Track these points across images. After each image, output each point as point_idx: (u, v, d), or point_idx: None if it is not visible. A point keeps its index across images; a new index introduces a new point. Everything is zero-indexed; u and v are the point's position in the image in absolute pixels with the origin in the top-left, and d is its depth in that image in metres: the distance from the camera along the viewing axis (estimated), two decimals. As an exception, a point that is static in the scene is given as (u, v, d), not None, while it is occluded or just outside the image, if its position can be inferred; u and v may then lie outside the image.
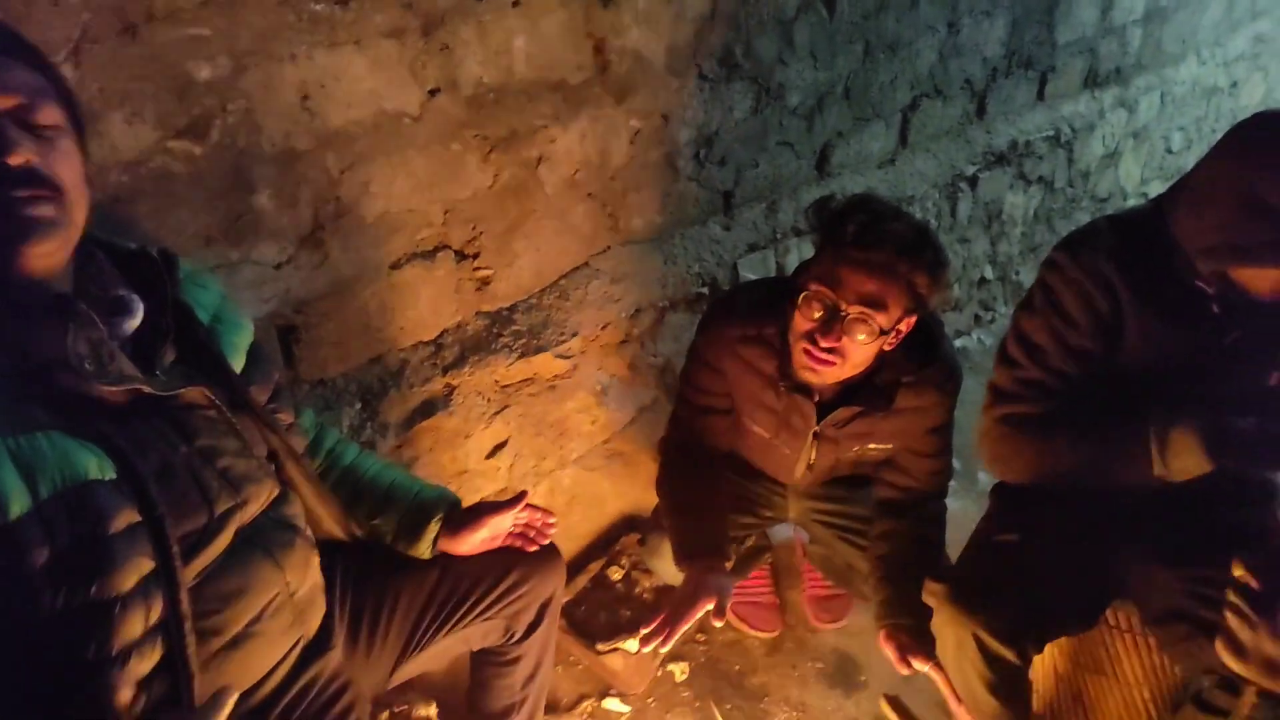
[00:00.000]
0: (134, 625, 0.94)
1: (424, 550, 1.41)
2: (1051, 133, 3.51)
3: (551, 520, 1.53)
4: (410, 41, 1.59)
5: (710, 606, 1.67)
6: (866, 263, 1.54)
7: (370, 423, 1.77)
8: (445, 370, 1.87)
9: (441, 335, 1.85)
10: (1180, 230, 1.46)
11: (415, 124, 1.65)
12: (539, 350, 2.01)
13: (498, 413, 2.00)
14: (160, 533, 0.96)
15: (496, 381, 1.97)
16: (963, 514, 2.00)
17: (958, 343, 3.56)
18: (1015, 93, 3.28)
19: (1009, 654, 1.52)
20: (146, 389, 0.99)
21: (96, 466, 0.93)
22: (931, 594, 1.61)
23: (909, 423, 1.81)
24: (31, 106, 0.92)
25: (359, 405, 1.76)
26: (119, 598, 0.93)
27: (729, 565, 1.85)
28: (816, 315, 1.60)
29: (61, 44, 1.22)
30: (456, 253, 1.82)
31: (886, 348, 1.66)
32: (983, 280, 3.61)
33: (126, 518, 0.94)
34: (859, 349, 1.60)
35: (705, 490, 1.92)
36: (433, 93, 1.65)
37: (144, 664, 0.97)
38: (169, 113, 1.35)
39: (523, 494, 1.47)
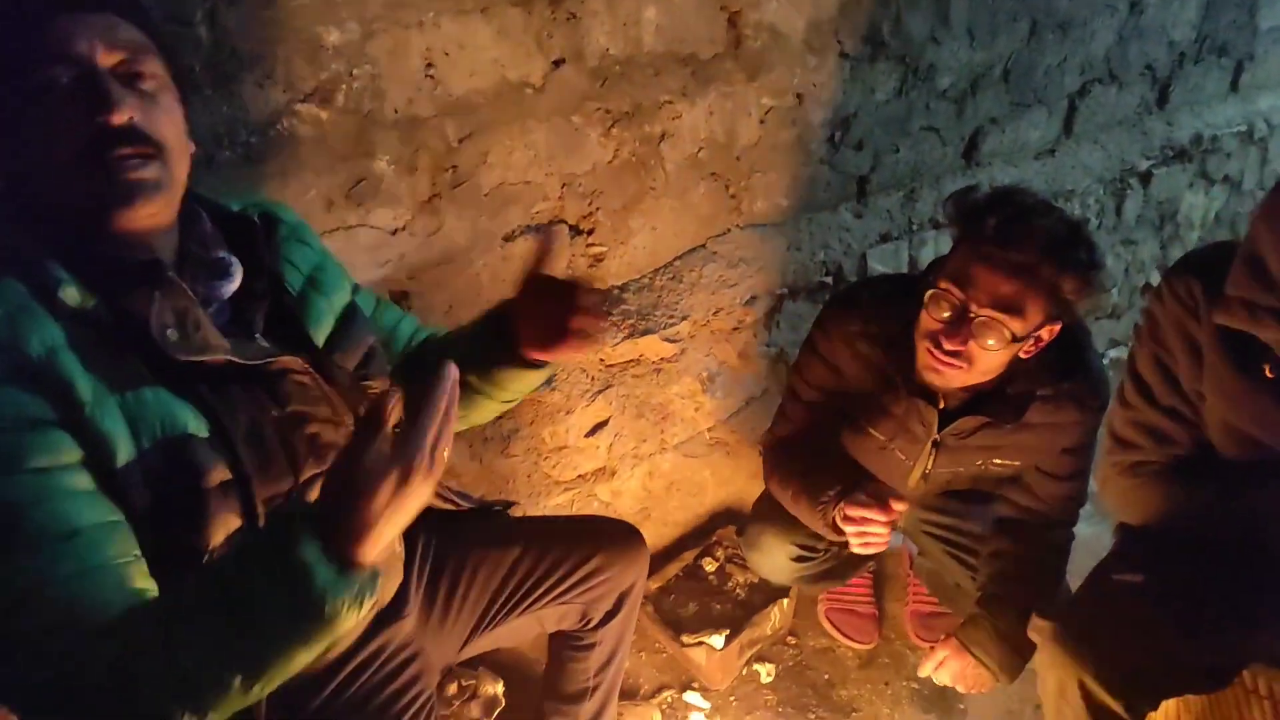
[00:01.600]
0: None
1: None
2: (1244, 128, 3.15)
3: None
4: (537, 10, 1.56)
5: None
6: (1005, 262, 1.41)
7: (474, 392, 1.79)
8: (551, 345, 1.86)
9: (550, 310, 1.84)
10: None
11: (537, 95, 1.62)
12: (646, 332, 1.97)
13: (600, 391, 1.98)
14: (247, 493, 0.98)
15: (601, 360, 1.95)
16: (1095, 540, 1.84)
17: (1112, 354, 3.29)
18: (1204, 82, 2.95)
19: (1117, 707, 1.39)
20: (232, 359, 1.00)
21: (194, 423, 0.95)
22: (1037, 630, 1.50)
23: (1041, 440, 1.67)
24: (134, 62, 0.93)
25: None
26: (209, 551, 0.96)
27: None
28: (944, 315, 1.49)
29: (197, 6, 1.25)
30: (571, 228, 1.79)
31: (1023, 355, 1.52)
32: (1148, 286, 3.30)
33: (220, 474, 0.96)
34: (988, 355, 1.48)
35: (821, 461, 1.81)
36: (557, 63, 1.62)
37: None
38: (298, 76, 1.37)
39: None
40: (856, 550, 1.67)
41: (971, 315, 1.45)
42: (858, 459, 1.91)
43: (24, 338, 0.86)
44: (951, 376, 1.53)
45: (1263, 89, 3.15)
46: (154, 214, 0.96)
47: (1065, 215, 1.49)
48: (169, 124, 0.95)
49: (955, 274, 1.47)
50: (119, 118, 0.89)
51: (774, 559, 1.92)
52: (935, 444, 1.72)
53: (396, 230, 1.58)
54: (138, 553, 0.92)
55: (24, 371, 0.86)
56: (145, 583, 0.90)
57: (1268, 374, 1.32)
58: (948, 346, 1.48)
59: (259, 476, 0.99)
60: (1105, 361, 2.99)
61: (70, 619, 0.85)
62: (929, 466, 1.76)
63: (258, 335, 1.06)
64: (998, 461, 1.73)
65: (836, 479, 1.71)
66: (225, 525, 0.97)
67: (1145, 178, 2.96)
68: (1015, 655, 1.71)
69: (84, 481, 0.89)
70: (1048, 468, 1.71)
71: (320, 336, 1.14)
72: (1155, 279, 3.31)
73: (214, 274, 1.03)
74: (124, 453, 0.90)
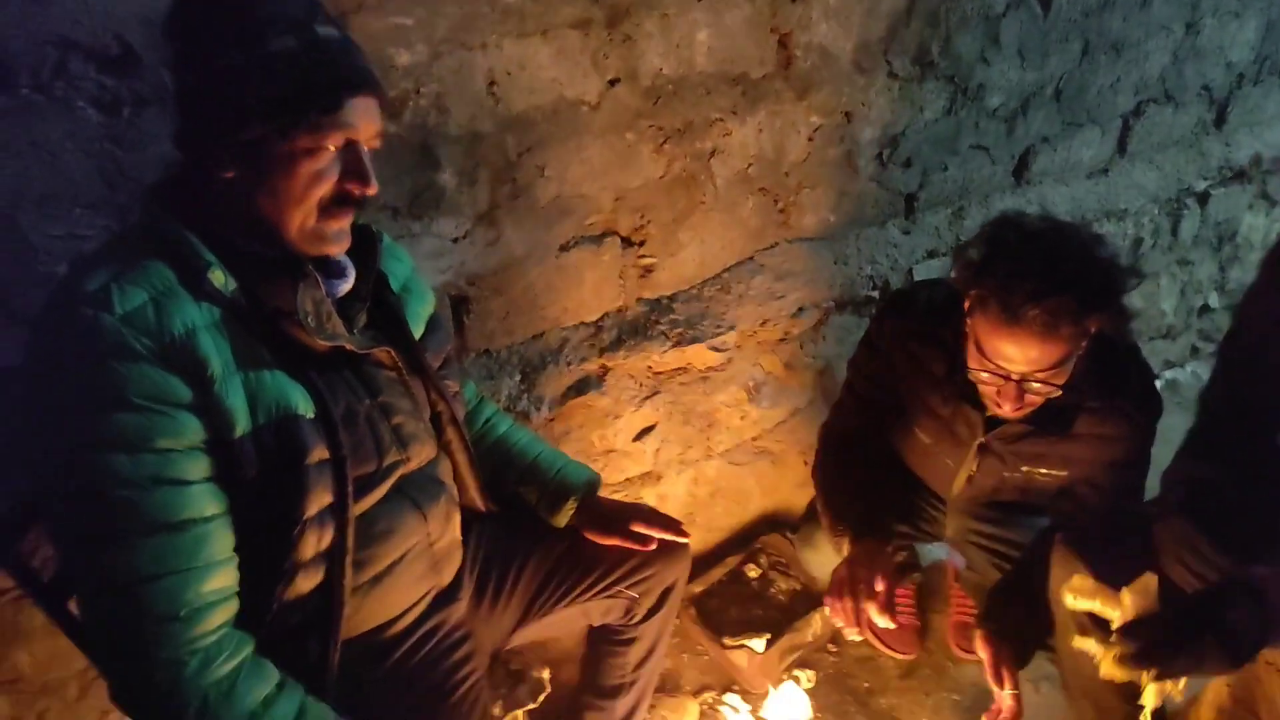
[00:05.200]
0: (308, 547, 1.08)
1: (560, 521, 1.49)
2: (1307, 148, 3.10)
3: (679, 535, 1.53)
4: (594, 32, 1.64)
5: (879, 589, 1.62)
6: (1024, 332, 1.41)
7: (527, 394, 1.87)
8: (602, 352, 1.93)
9: (602, 318, 1.92)
10: None
11: (593, 112, 1.70)
12: (694, 341, 2.03)
13: (648, 398, 2.04)
14: (341, 472, 1.10)
15: (650, 367, 2.01)
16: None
17: (1169, 374, 3.24)
18: (1265, 102, 2.91)
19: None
20: (349, 345, 1.13)
21: (303, 404, 1.07)
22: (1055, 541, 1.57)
23: (1089, 451, 1.67)
24: (377, 139, 1.08)
25: (518, 377, 1.85)
26: (304, 520, 1.07)
27: (891, 553, 1.76)
28: (992, 390, 1.54)
29: (283, 30, 1.36)
30: (623, 239, 1.87)
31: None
32: (1205, 308, 3.26)
33: (319, 453, 1.08)
34: (1048, 394, 1.52)
35: (867, 476, 1.86)
36: (612, 83, 1.70)
37: (307, 583, 1.11)
38: (370, 94, 1.47)
39: (676, 523, 1.53)
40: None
41: (1017, 380, 1.49)
42: (905, 459, 1.93)
43: (169, 319, 0.98)
44: (1017, 416, 1.57)
45: (1327, 109, 3.10)
46: (338, 251, 1.11)
47: (1068, 250, 1.43)
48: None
49: (983, 350, 1.50)
50: (369, 191, 1.06)
51: (828, 558, 1.95)
52: (981, 448, 1.74)
53: (457, 239, 1.67)
54: (233, 550, 1.04)
55: (165, 351, 0.97)
56: (233, 582, 1.04)
57: None
58: (1009, 408, 1.53)
59: (352, 458, 1.10)
60: (1160, 383, 2.96)
61: (167, 614, 0.98)
62: (974, 470, 1.78)
63: (356, 331, 1.18)
64: (1043, 471, 1.74)
65: (855, 512, 1.77)
66: (319, 500, 1.08)
67: (1203, 198, 2.93)
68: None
69: (201, 468, 1.00)
70: (1097, 480, 1.70)
71: (416, 335, 1.27)
72: (1214, 300, 3.26)
73: (331, 274, 1.15)
74: (241, 426, 1.02)
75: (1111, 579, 1.46)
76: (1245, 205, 3.06)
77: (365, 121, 1.04)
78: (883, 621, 1.63)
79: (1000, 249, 1.47)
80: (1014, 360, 1.47)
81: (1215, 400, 1.65)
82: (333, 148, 1.02)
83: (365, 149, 1.05)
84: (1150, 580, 1.37)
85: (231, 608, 1.05)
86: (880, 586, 1.63)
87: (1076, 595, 1.47)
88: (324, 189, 1.03)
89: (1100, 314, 1.43)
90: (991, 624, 1.69)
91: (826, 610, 1.71)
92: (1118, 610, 1.37)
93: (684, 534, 1.52)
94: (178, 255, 1.02)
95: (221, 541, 1.02)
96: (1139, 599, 1.36)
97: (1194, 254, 3.05)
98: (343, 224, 1.07)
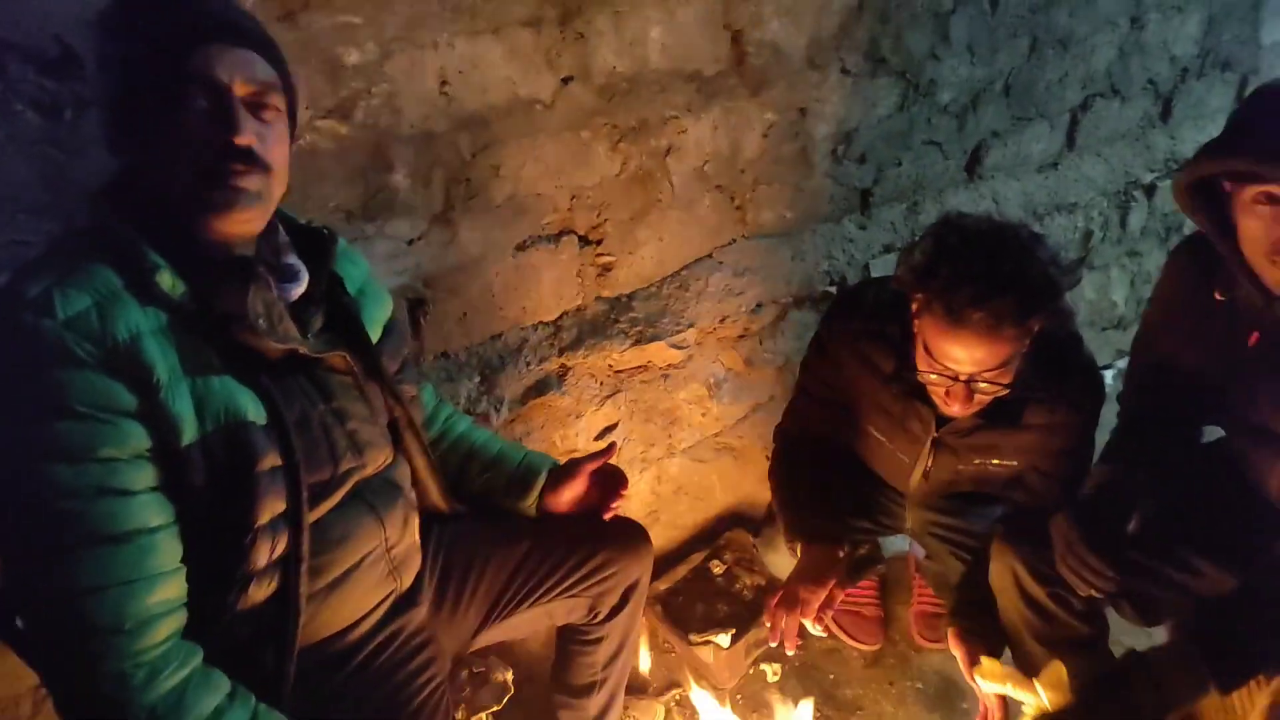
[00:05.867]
0: (260, 556, 1.07)
1: (530, 504, 1.49)
2: (1250, 141, 3.18)
3: (624, 491, 1.55)
4: (547, 30, 1.64)
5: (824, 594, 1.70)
6: (969, 334, 1.45)
7: (487, 396, 1.86)
8: (562, 351, 1.92)
9: (561, 317, 1.91)
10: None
11: (547, 111, 1.70)
12: (654, 338, 2.03)
13: (609, 396, 2.04)
14: (295, 479, 1.09)
15: (610, 366, 2.01)
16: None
17: (1120, 364, 3.31)
18: (1208, 96, 2.99)
19: (1041, 594, 1.59)
20: (302, 349, 1.12)
21: (254, 410, 1.06)
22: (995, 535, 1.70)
23: (1038, 441, 1.71)
24: (263, 95, 1.06)
25: (478, 379, 1.84)
26: (255, 528, 1.05)
27: (843, 555, 1.82)
28: (942, 390, 1.58)
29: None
30: (580, 238, 1.86)
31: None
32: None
33: (271, 460, 1.07)
34: (995, 393, 1.56)
35: (821, 479, 1.89)
36: (566, 81, 1.70)
37: (261, 592, 1.09)
38: (319, 93, 1.45)
39: (612, 445, 1.54)
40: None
41: (964, 380, 1.53)
42: (861, 456, 1.96)
43: (112, 325, 0.96)
44: (966, 414, 1.62)
45: (1267, 102, 3.18)
46: (248, 221, 1.08)
47: (1007, 252, 1.46)
48: (279, 152, 1.08)
49: (931, 352, 1.54)
50: (241, 140, 1.01)
51: (788, 559, 1.97)
52: (935, 443, 1.76)
53: (413, 240, 1.65)
54: (180, 561, 1.02)
55: (109, 357, 0.95)
56: (180, 593, 1.02)
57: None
58: (958, 408, 1.58)
59: (305, 464, 1.08)
60: (1112, 371, 3.02)
61: (111, 627, 0.96)
62: (929, 465, 1.81)
63: (310, 335, 1.17)
64: (996, 462, 1.77)
65: (807, 519, 1.84)
66: (272, 507, 1.06)
67: (1149, 190, 2.99)
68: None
69: (146, 477, 0.99)
70: (1046, 468, 1.74)
71: (373, 339, 1.26)
72: (1163, 290, 3.33)
73: (284, 277, 1.14)
74: (189, 434, 1.00)
75: (1047, 573, 1.58)
76: (1191, 197, 3.13)
77: (235, 73, 1.02)
78: (813, 629, 1.71)
79: (942, 252, 1.50)
80: (961, 361, 1.50)
81: (1127, 399, 1.73)
82: (203, 101, 1.00)
83: (238, 99, 1.02)
84: (1059, 671, 1.50)
85: (179, 619, 1.03)
86: (817, 601, 1.70)
87: (986, 678, 1.61)
88: (201, 146, 1.01)
89: (1041, 314, 1.46)
90: (961, 620, 1.73)
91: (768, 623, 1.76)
92: (1030, 694, 1.51)
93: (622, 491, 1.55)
94: (124, 258, 1.00)
95: (168, 552, 1.01)
96: (1053, 691, 1.50)
97: (1142, 245, 3.12)
98: (239, 183, 1.03)
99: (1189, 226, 3.29)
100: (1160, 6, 2.64)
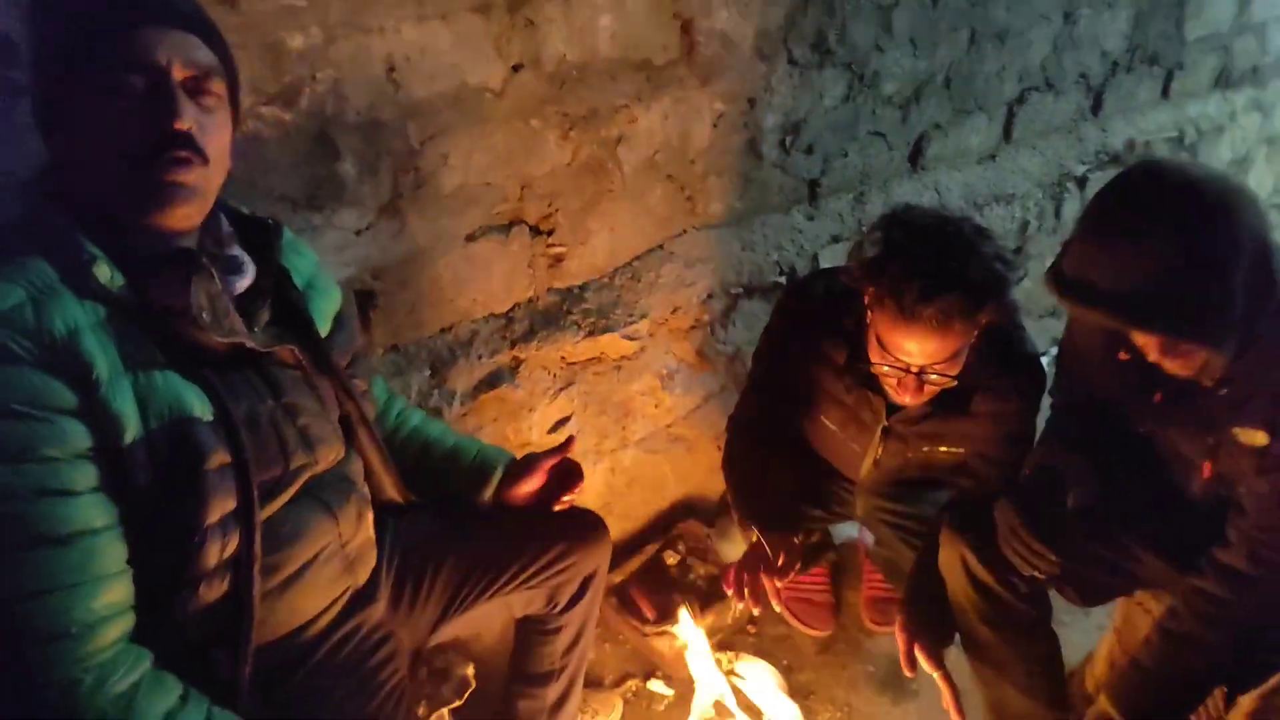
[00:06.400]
0: (210, 556, 1.03)
1: (487, 498, 1.48)
2: (1175, 134, 3.31)
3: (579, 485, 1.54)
4: (496, 17, 1.61)
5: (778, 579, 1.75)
6: (921, 328, 1.49)
7: (438, 390, 1.83)
8: (514, 343, 1.90)
9: (512, 309, 1.89)
10: None
11: (497, 99, 1.67)
12: (607, 330, 2.02)
13: (562, 389, 2.03)
14: (245, 476, 1.05)
15: (563, 358, 2.00)
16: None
17: (1056, 350, 3.41)
18: (1137, 90, 3.10)
19: (989, 578, 1.63)
20: (249, 343, 1.08)
21: (200, 406, 1.02)
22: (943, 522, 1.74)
23: (984, 428, 1.75)
24: (203, 79, 1.01)
25: (429, 372, 1.81)
26: (204, 528, 1.02)
27: (798, 542, 1.86)
28: (894, 381, 1.61)
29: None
30: (531, 228, 1.85)
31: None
32: (1086, 286, 3.44)
33: (219, 458, 1.03)
34: (945, 384, 1.61)
35: (774, 468, 1.92)
36: (516, 68, 1.67)
37: (212, 592, 1.05)
38: (262, 79, 1.41)
39: (570, 439, 1.53)
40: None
41: (916, 372, 1.56)
42: (813, 445, 1.98)
43: (49, 319, 0.92)
44: (917, 403, 1.66)
45: (1192, 96, 3.31)
46: (188, 215, 1.04)
47: (954, 247, 1.50)
48: (219, 139, 1.04)
49: (884, 344, 1.57)
50: (180, 125, 0.97)
51: (742, 549, 1.98)
52: (885, 431, 1.80)
53: (361, 231, 1.62)
54: (125, 563, 0.98)
55: (46, 353, 0.91)
56: (127, 595, 0.98)
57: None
58: (910, 399, 1.62)
59: (255, 462, 1.05)
60: (1049, 358, 3.11)
61: (56, 632, 0.92)
62: (879, 453, 1.84)
63: (257, 329, 1.13)
64: (944, 449, 1.81)
65: (762, 507, 1.88)
66: (221, 506, 1.03)
67: (1082, 182, 3.09)
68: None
69: (88, 477, 0.95)
70: (991, 453, 1.79)
71: (322, 333, 1.23)
72: (1095, 279, 3.44)
73: (228, 269, 1.10)
74: (132, 431, 0.96)
75: (994, 558, 1.64)
76: (1120, 188, 3.24)
77: (174, 56, 0.98)
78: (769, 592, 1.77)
79: (891, 247, 1.53)
80: (912, 354, 1.54)
81: (1057, 394, 1.78)
82: (140, 85, 0.96)
83: (177, 83, 0.98)
84: None
85: (127, 622, 0.99)
86: (779, 581, 1.76)
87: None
88: (137, 132, 0.97)
89: (988, 308, 1.50)
90: (908, 608, 1.76)
91: (729, 592, 1.80)
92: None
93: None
94: (60, 250, 0.96)
95: (112, 554, 0.97)
96: None
97: (1076, 235, 3.21)
98: (177, 177, 0.99)
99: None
100: (1092, 2, 2.72)
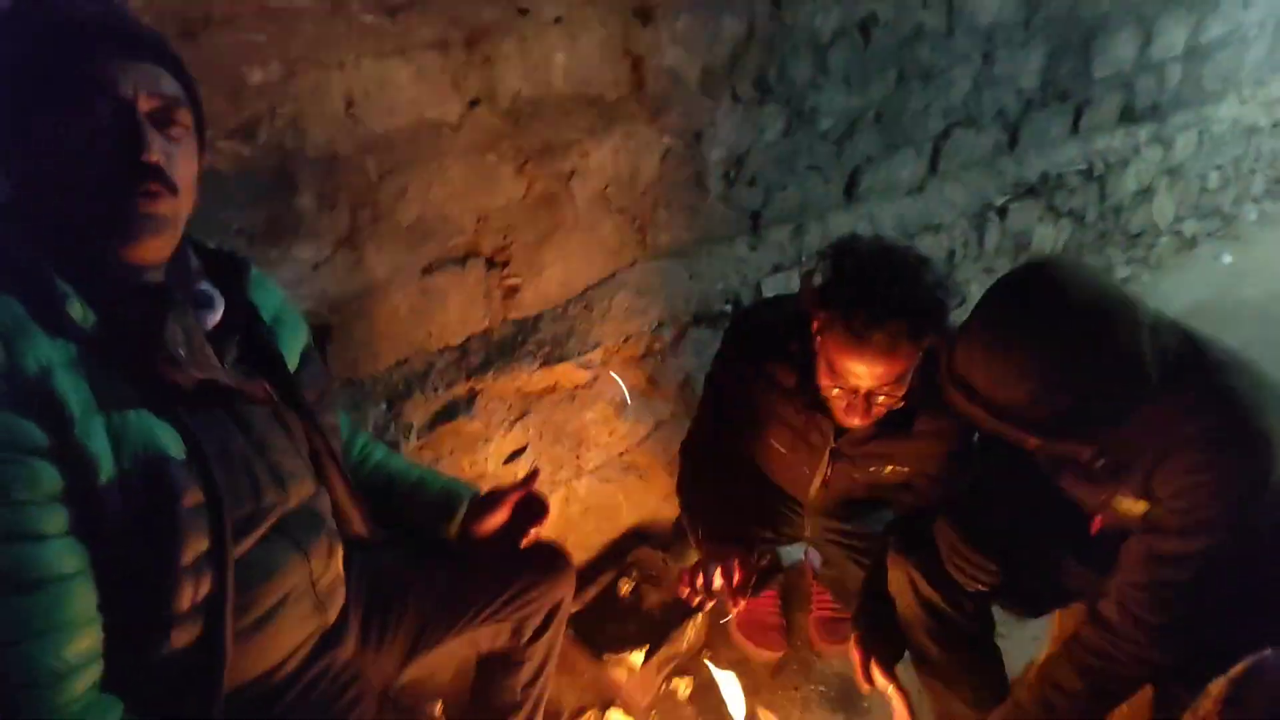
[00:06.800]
0: (184, 598, 1.01)
1: (452, 530, 1.47)
2: (1084, 166, 3.51)
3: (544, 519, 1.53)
4: (453, 54, 1.63)
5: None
6: (868, 352, 1.56)
7: (394, 423, 1.81)
8: (469, 375, 1.90)
9: (468, 340, 1.89)
10: None
11: (454, 133, 1.69)
12: (561, 359, 2.04)
13: (518, 419, 2.03)
14: (218, 515, 1.03)
15: (519, 388, 2.00)
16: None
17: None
18: (1049, 125, 3.28)
19: (936, 597, 1.71)
20: (223, 380, 1.06)
21: (173, 445, 1.00)
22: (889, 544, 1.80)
23: (929, 446, 1.82)
24: (169, 110, 1.00)
25: (385, 405, 1.79)
26: (177, 570, 0.99)
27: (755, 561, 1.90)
28: (843, 404, 1.67)
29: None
30: (487, 260, 1.86)
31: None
32: (1008, 311, 3.61)
33: (194, 496, 1.01)
34: (891, 405, 1.67)
35: (727, 491, 1.96)
36: (473, 104, 1.70)
37: (184, 635, 1.02)
38: (221, 114, 1.40)
39: (534, 472, 1.53)
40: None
41: (864, 394, 1.63)
42: (763, 468, 2.03)
43: (20, 357, 0.89)
44: (865, 424, 1.72)
45: (1099, 131, 3.53)
46: (158, 248, 1.02)
47: (897, 276, 1.55)
48: (187, 170, 1.03)
49: (832, 369, 1.64)
50: (149, 157, 0.96)
51: None
52: (833, 453, 1.86)
53: (318, 264, 1.61)
54: (95, 608, 0.96)
55: (17, 393, 0.89)
56: (97, 642, 0.96)
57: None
58: (859, 421, 1.68)
59: (228, 500, 1.03)
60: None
61: (26, 681, 0.90)
62: (827, 474, 1.90)
63: (227, 364, 1.11)
64: (889, 468, 1.88)
65: (717, 529, 1.91)
66: (195, 546, 1.01)
67: (1002, 212, 3.25)
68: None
69: (59, 521, 0.92)
70: (934, 471, 1.86)
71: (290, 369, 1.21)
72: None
73: (197, 304, 1.09)
74: (105, 472, 0.94)
75: (939, 576, 1.70)
76: (1037, 218, 3.42)
77: (140, 87, 0.97)
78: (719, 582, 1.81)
79: (840, 276, 1.60)
80: (861, 376, 1.61)
81: None
82: (106, 117, 0.95)
83: (143, 114, 0.97)
84: None
85: (96, 669, 0.96)
86: (737, 577, 1.80)
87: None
88: (104, 165, 0.95)
89: (932, 332, 1.57)
90: (860, 626, 1.82)
91: (683, 592, 1.85)
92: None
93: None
94: (28, 286, 0.93)
95: (83, 600, 0.94)
96: None
97: (997, 262, 3.37)
98: (148, 208, 0.98)
99: (1034, 246, 3.58)
100: (1008, 43, 2.88)
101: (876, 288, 1.55)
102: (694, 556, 1.98)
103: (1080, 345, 1.30)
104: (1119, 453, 1.45)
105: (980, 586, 1.68)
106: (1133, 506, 1.49)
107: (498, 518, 1.48)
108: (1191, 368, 1.39)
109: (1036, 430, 1.35)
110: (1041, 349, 1.31)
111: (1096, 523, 1.62)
